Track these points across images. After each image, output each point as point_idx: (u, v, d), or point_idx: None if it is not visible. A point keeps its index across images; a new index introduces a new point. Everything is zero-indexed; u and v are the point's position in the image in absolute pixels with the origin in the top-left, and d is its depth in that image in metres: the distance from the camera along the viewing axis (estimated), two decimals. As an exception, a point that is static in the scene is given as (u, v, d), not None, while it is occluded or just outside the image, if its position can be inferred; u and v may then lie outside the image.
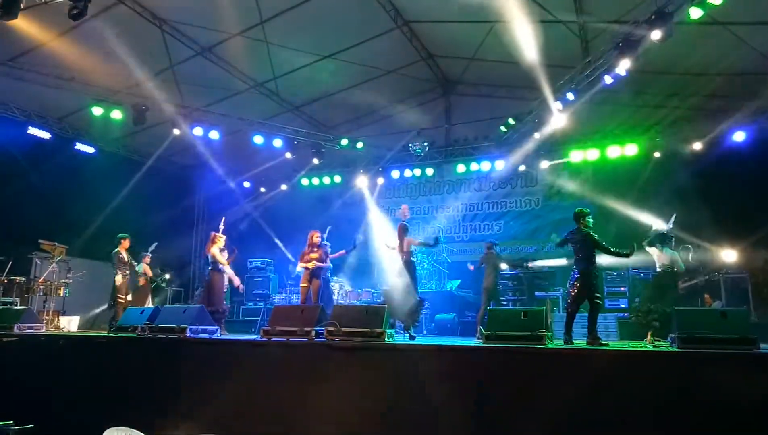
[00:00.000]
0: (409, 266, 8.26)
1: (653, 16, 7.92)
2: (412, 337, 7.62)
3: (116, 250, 9.77)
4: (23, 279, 10.50)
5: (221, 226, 9.30)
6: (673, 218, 8.91)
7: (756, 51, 9.13)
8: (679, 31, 8.07)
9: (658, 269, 8.58)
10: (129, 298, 9.86)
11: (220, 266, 8.98)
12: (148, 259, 10.72)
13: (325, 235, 10.78)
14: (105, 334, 7.53)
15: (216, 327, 7.60)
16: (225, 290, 9.53)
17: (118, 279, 9.61)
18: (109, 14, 9.20)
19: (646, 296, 8.68)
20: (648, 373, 4.77)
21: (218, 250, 9.02)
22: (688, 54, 9.31)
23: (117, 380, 6.51)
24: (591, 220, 7.12)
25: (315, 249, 9.01)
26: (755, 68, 9.57)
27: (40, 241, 10.65)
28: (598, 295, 6.97)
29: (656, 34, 7.90)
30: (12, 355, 7.28)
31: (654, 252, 8.52)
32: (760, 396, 4.31)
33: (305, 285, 8.97)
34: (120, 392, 6.39)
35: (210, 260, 9.01)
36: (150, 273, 10.76)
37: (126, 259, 9.84)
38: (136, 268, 10.39)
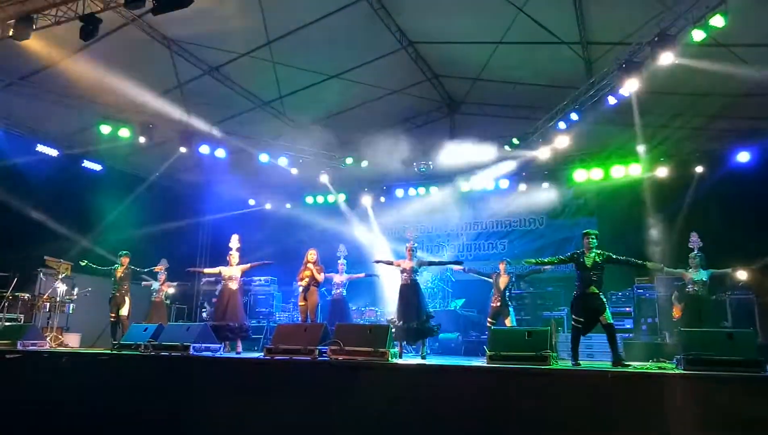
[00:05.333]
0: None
1: (656, 38, 8.00)
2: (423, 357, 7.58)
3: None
4: (28, 295, 10.54)
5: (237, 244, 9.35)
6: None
7: (759, 73, 9.16)
8: (684, 53, 8.12)
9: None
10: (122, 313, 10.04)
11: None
12: (164, 277, 10.75)
13: (339, 254, 10.75)
14: (108, 351, 7.52)
15: (219, 345, 7.60)
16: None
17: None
18: (119, 34, 9.35)
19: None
20: (653, 395, 4.73)
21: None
22: (692, 75, 9.35)
23: (119, 398, 6.48)
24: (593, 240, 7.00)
25: (309, 266, 8.98)
26: (759, 89, 9.60)
27: (45, 257, 10.70)
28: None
29: (667, 57, 7.95)
30: (15, 372, 7.27)
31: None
32: (767, 419, 4.26)
33: (302, 303, 8.95)
34: (122, 410, 6.36)
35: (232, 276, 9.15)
36: (165, 289, 10.84)
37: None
38: (153, 286, 10.66)
